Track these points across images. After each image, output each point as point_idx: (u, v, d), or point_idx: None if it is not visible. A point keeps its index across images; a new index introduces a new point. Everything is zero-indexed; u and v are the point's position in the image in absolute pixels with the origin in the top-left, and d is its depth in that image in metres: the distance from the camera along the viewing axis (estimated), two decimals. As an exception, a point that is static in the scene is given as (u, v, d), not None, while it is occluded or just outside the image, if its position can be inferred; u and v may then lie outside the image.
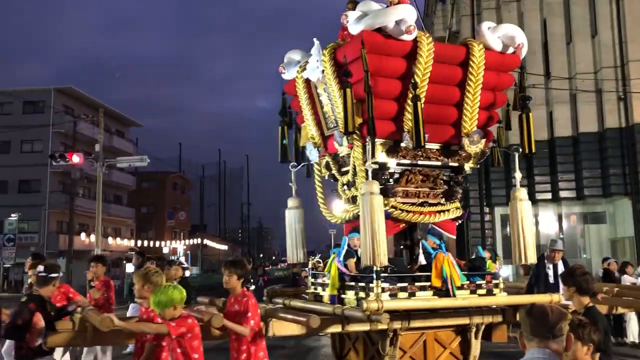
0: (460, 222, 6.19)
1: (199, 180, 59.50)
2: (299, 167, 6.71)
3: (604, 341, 3.76)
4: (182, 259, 8.82)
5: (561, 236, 22.92)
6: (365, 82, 5.35)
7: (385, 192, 5.84)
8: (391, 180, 5.93)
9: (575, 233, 23.44)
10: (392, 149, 5.81)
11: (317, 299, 6.13)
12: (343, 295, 5.79)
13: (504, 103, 6.32)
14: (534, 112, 22.29)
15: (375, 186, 5.34)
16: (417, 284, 5.60)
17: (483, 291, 5.82)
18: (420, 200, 6.01)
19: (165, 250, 47.15)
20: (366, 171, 5.45)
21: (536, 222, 23.79)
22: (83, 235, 39.11)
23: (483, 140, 6.02)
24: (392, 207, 5.81)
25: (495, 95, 6.15)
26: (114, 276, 33.59)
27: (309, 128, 6.35)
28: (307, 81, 6.22)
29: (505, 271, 19.22)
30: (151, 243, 46.34)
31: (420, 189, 6.04)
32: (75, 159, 25.77)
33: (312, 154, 6.40)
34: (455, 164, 6.11)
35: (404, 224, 5.90)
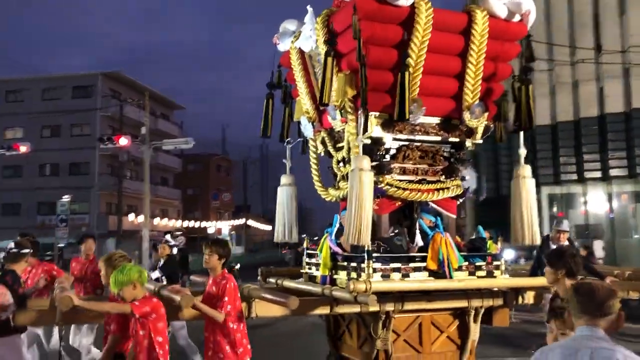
0: (461, 200, 5.87)
1: (243, 162, 60.12)
2: (294, 143, 6.51)
3: None
4: (169, 237, 8.68)
5: (611, 215, 22.03)
6: (358, 51, 5.07)
7: (381, 169, 5.58)
8: (387, 156, 5.65)
9: (627, 212, 22.52)
10: (388, 123, 5.51)
11: (312, 279, 5.95)
12: (335, 276, 5.59)
13: (508, 74, 5.92)
14: (583, 88, 21.47)
15: (366, 162, 5.09)
16: (411, 264, 5.35)
17: (483, 273, 5.51)
18: (419, 178, 5.72)
19: (211, 231, 47.95)
20: (358, 146, 5.20)
21: (585, 202, 22.95)
22: (131, 216, 40.11)
23: (486, 114, 5.65)
24: (388, 184, 5.54)
25: (498, 66, 5.75)
26: (159, 256, 34.26)
27: (304, 102, 6.11)
28: (301, 52, 5.98)
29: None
30: (197, 223, 47.20)
31: (418, 166, 5.74)
32: (123, 141, 26.36)
33: (307, 129, 6.17)
34: (456, 139, 5.77)
35: (400, 202, 5.63)
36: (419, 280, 5.25)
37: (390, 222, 6.00)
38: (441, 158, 5.81)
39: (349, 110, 5.41)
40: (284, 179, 6.53)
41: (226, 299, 4.36)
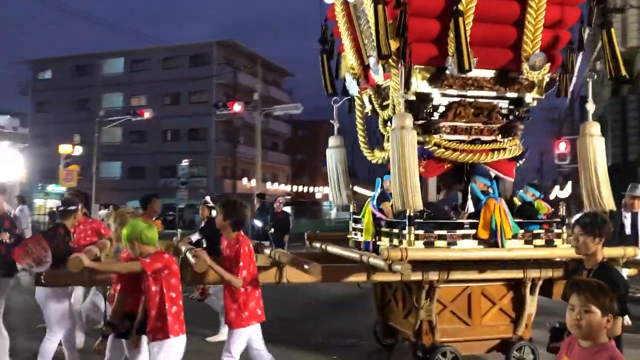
0: (520, 162, 5.30)
1: (352, 128, 59.88)
2: (342, 101, 6.20)
3: (624, 301, 3.03)
4: (208, 198, 8.55)
5: None
6: None
7: (427, 128, 5.17)
8: (435, 114, 5.22)
9: None
10: (436, 77, 5.07)
11: (357, 245, 5.69)
12: (379, 242, 5.30)
13: (576, 19, 5.19)
14: None
15: (408, 120, 4.71)
16: (458, 231, 4.93)
17: (541, 242, 4.97)
18: (472, 137, 5.24)
19: (318, 196, 48.65)
20: (400, 102, 4.83)
21: None
22: (245, 180, 41.59)
23: (547, 65, 5.02)
24: (436, 144, 5.12)
25: (564, 10, 5.05)
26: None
27: (349, 57, 5.77)
28: (346, 3, 5.63)
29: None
30: (305, 188, 48.01)
31: (471, 124, 5.25)
32: (236, 107, 27.06)
33: (352, 86, 5.83)
34: (515, 94, 5.20)
35: (449, 164, 5.19)
36: (462, 249, 4.84)
37: (444, 186, 5.60)
38: (498, 115, 5.28)
39: (392, 64, 5.02)
40: (332, 141, 6.28)
41: (241, 264, 4.20)
